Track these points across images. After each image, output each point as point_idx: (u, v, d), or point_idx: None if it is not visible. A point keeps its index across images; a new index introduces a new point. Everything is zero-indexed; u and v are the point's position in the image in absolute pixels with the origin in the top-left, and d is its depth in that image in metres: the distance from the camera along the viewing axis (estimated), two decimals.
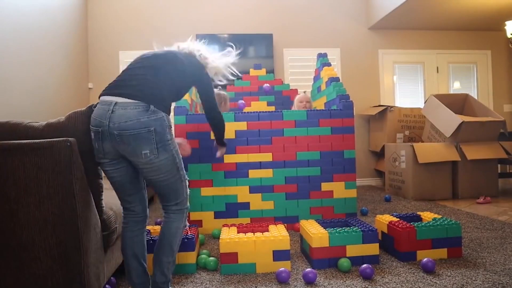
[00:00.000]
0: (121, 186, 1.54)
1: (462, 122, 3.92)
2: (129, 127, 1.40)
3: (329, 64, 3.60)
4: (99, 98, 1.53)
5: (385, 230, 2.26)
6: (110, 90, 1.50)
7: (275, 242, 1.98)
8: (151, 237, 2.03)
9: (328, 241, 2.01)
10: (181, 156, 1.57)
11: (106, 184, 1.59)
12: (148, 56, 1.66)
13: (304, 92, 3.72)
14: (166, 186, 1.52)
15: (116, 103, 1.43)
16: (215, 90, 3.45)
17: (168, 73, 1.60)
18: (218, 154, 2.46)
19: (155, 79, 1.54)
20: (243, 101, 3.96)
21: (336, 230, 2.07)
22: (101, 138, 1.43)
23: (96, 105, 1.49)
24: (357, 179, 5.01)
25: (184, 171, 1.59)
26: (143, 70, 1.56)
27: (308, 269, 1.83)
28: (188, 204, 1.63)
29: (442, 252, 2.09)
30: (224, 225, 2.35)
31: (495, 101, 5.86)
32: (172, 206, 1.57)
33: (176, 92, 1.68)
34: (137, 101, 1.43)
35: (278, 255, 1.98)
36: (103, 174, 1.57)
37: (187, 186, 1.61)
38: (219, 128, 2.22)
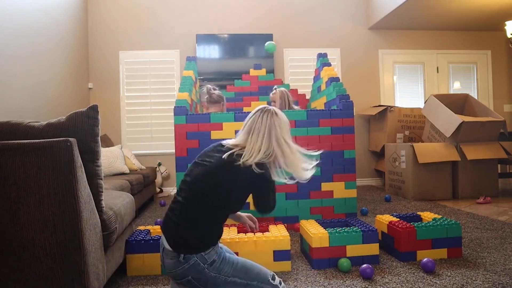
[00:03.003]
0: None
1: (462, 122, 3.92)
2: (180, 277, 1.34)
3: (329, 64, 3.60)
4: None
5: (385, 230, 2.26)
6: (164, 229, 1.38)
7: (275, 242, 1.99)
8: (151, 237, 2.03)
9: (328, 241, 2.01)
10: (241, 272, 1.35)
11: (106, 184, 1.58)
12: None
13: (275, 88, 3.49)
14: None
15: (164, 248, 1.35)
16: (218, 91, 3.46)
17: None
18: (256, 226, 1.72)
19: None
20: None
21: (336, 230, 2.07)
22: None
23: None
24: (357, 179, 5.01)
25: (259, 273, 1.36)
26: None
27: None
28: None
29: (442, 252, 2.09)
30: (224, 225, 2.35)
31: (495, 101, 5.86)
32: None
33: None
34: (173, 251, 1.33)
35: (279, 255, 1.98)
36: (103, 174, 1.57)
37: None
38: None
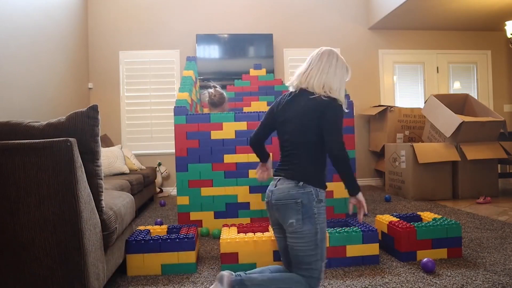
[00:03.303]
0: (280, 249, 1.69)
1: (462, 122, 3.92)
2: (281, 199, 1.56)
3: None
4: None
5: (385, 230, 2.26)
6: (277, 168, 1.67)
7: (275, 242, 1.98)
8: (151, 237, 2.03)
9: (328, 241, 2.00)
10: (323, 233, 1.56)
11: (106, 184, 1.59)
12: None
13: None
14: (301, 256, 1.53)
15: (279, 179, 1.60)
16: (220, 90, 3.47)
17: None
18: (359, 217, 1.64)
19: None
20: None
21: (336, 230, 2.07)
22: (268, 208, 1.64)
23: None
24: (357, 179, 5.01)
25: (324, 253, 1.55)
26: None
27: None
28: (319, 278, 1.55)
29: (442, 252, 2.09)
30: (224, 225, 2.35)
31: (495, 101, 5.86)
32: (300, 271, 1.54)
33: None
34: (289, 179, 1.57)
35: (279, 255, 1.98)
36: (103, 174, 1.57)
37: (322, 270, 1.55)
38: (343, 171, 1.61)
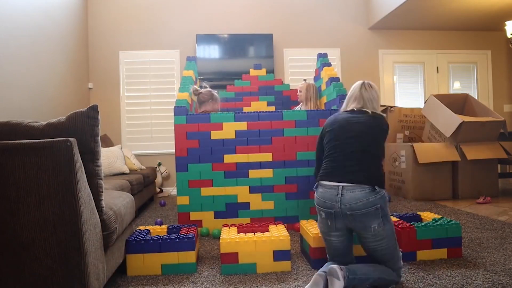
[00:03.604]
0: (336, 250, 1.79)
1: (462, 122, 3.92)
2: (360, 208, 1.65)
3: (329, 64, 3.59)
4: (320, 181, 1.79)
5: None
6: (334, 177, 1.74)
7: (275, 242, 1.98)
8: (151, 237, 2.03)
9: None
10: (392, 227, 1.73)
11: (106, 184, 1.59)
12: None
13: (304, 80, 3.75)
14: (387, 254, 1.69)
15: (343, 186, 1.68)
16: (209, 89, 3.44)
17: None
18: None
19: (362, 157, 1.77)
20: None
21: None
22: (334, 218, 1.70)
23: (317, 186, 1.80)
24: None
25: (397, 247, 1.74)
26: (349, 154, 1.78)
27: None
28: (401, 266, 1.74)
29: (442, 252, 2.09)
30: (224, 225, 2.35)
31: (495, 101, 5.86)
32: (388, 264, 1.71)
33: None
34: (361, 184, 1.67)
35: (279, 255, 1.98)
36: (103, 174, 1.57)
37: (400, 257, 1.73)
38: None
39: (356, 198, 1.65)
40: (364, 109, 1.87)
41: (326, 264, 1.74)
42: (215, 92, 3.38)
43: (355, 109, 1.88)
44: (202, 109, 3.28)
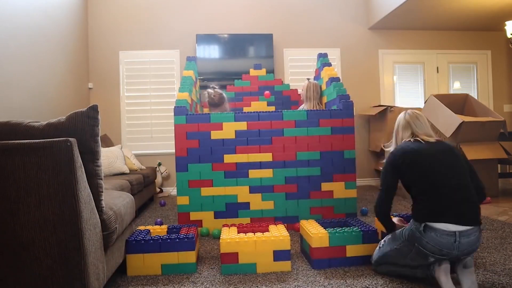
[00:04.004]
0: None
1: (462, 122, 3.92)
2: (474, 251, 1.64)
3: (329, 64, 3.60)
4: (426, 222, 1.65)
5: (385, 230, 2.26)
6: (445, 216, 1.63)
7: (275, 242, 1.99)
8: (151, 237, 2.03)
9: (328, 241, 2.01)
10: None
11: (106, 184, 1.59)
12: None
13: (308, 79, 3.75)
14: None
15: (460, 232, 1.60)
16: (219, 90, 3.48)
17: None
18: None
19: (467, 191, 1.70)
20: None
21: (336, 230, 2.07)
22: (445, 259, 1.64)
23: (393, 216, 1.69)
24: (357, 179, 5.01)
25: None
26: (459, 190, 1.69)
27: None
28: None
29: None
30: (224, 225, 2.35)
31: (495, 101, 5.86)
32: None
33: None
34: (473, 226, 1.62)
35: (279, 255, 1.98)
36: (103, 174, 1.57)
37: None
38: None
39: (471, 244, 1.61)
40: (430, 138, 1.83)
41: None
42: (224, 93, 3.50)
43: (412, 139, 1.83)
44: (215, 112, 3.36)
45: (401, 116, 1.94)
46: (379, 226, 2.34)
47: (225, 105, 3.47)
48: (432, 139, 1.82)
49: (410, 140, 1.83)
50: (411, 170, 1.74)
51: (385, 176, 1.82)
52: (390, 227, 1.89)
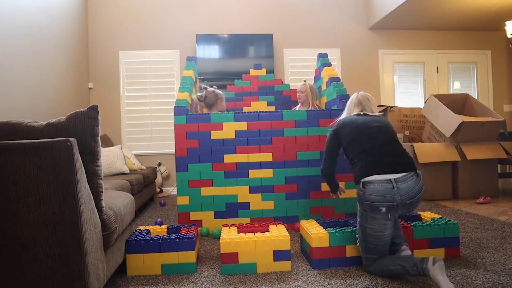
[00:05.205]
0: (387, 244, 1.86)
1: (462, 122, 3.92)
2: (416, 195, 1.81)
3: (329, 64, 3.59)
4: (363, 178, 1.85)
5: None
6: (379, 169, 1.84)
7: (275, 242, 1.99)
8: (151, 237, 2.03)
9: (328, 241, 2.01)
10: None
11: (106, 184, 1.59)
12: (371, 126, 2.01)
13: (304, 81, 3.75)
14: None
15: (395, 179, 1.79)
16: (211, 89, 3.46)
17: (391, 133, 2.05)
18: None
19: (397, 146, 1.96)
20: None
21: (336, 230, 2.07)
22: (395, 209, 1.79)
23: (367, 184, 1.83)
24: None
25: None
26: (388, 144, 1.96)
27: None
28: None
29: (439, 252, 2.09)
30: (224, 225, 2.35)
31: (495, 101, 5.86)
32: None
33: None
34: (407, 172, 1.82)
35: (279, 255, 1.98)
36: (103, 174, 1.57)
37: None
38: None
39: (411, 188, 1.79)
40: (366, 112, 2.11)
41: (380, 259, 1.83)
42: (217, 90, 3.43)
43: (361, 113, 2.11)
44: (213, 111, 3.34)
45: (354, 95, 2.21)
46: None
47: (219, 102, 3.37)
48: (375, 114, 2.12)
49: (358, 114, 2.11)
50: (347, 135, 2.02)
51: (328, 142, 2.17)
52: (335, 186, 2.33)
